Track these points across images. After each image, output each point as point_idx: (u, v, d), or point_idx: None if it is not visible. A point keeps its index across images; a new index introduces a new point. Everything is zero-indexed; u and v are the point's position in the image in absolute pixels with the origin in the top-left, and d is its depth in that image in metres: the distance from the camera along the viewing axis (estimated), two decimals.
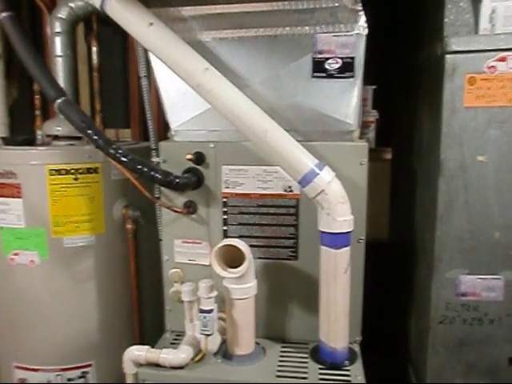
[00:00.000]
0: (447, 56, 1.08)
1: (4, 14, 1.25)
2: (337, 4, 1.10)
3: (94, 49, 1.86)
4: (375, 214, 1.35)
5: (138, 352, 1.12)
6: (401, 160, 1.76)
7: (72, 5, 1.50)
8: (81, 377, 1.41)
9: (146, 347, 1.13)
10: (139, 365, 1.12)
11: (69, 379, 1.40)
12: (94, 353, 1.42)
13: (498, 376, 1.19)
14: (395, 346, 1.67)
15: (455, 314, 1.18)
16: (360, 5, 1.10)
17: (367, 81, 1.26)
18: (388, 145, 1.90)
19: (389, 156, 1.93)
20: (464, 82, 1.08)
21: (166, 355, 1.10)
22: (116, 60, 1.91)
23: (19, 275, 1.37)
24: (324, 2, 1.11)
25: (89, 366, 1.41)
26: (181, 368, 1.10)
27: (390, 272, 1.87)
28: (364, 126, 1.37)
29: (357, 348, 1.22)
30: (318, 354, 1.16)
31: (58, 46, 1.52)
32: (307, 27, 1.15)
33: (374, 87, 1.43)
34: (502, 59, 1.06)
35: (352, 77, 1.15)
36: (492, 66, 1.06)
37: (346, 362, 1.14)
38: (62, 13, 1.50)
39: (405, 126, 1.64)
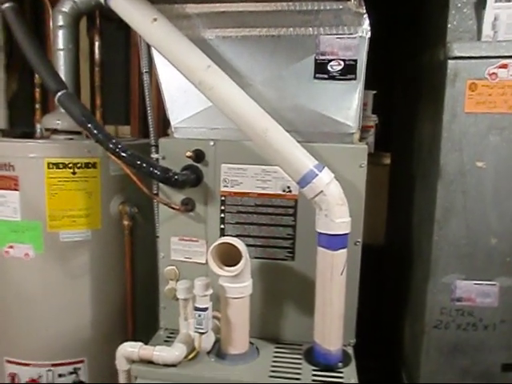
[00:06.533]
0: (449, 61, 1.09)
1: (6, 5, 1.24)
2: (341, 6, 1.11)
3: (97, 44, 1.86)
4: (372, 219, 1.35)
5: (131, 348, 1.11)
6: (400, 165, 1.76)
7: None
8: (72, 373, 1.40)
9: (140, 344, 1.12)
10: (132, 361, 1.12)
11: (59, 375, 1.39)
12: (86, 349, 1.41)
13: (492, 382, 1.19)
14: (389, 349, 1.66)
15: (450, 319, 1.19)
16: (364, 8, 1.10)
17: (367, 85, 1.26)
18: (387, 150, 1.90)
19: (387, 161, 1.93)
20: (465, 87, 1.09)
21: (160, 352, 1.09)
22: (118, 55, 1.91)
23: (13, 268, 1.36)
24: (328, 3, 1.11)
25: (81, 361, 1.40)
26: (173, 366, 1.10)
27: (385, 275, 1.88)
28: (363, 130, 1.38)
29: (350, 350, 1.21)
30: (311, 355, 1.16)
31: (60, 39, 1.51)
32: (311, 28, 1.15)
33: (374, 92, 1.44)
34: (504, 66, 1.06)
35: (354, 79, 1.16)
36: (493, 73, 1.07)
37: (340, 364, 1.13)
38: (65, 7, 1.50)
39: (405, 131, 1.65)
